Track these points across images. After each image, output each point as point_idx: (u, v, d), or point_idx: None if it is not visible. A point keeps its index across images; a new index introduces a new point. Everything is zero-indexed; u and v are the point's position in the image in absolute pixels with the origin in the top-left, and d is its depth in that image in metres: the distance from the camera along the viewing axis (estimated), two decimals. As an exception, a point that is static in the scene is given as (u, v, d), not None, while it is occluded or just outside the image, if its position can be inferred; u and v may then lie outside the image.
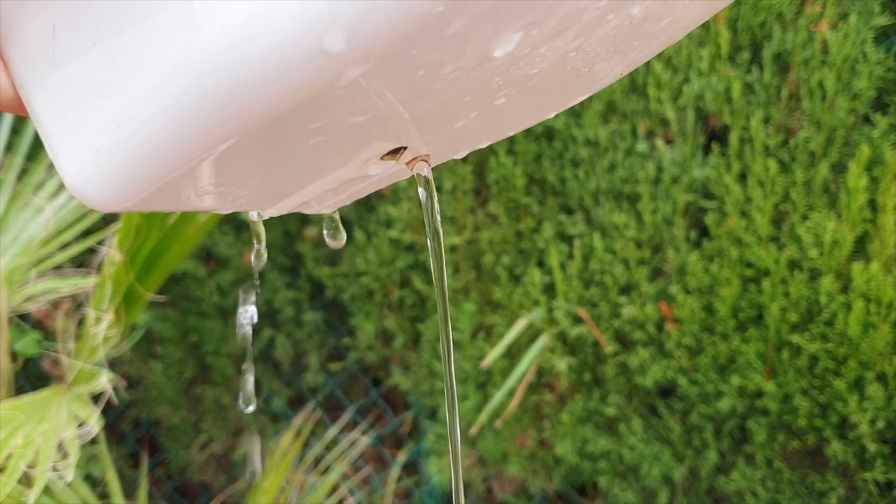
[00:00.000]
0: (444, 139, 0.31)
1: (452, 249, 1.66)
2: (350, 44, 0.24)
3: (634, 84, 1.49)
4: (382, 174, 0.33)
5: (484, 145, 0.33)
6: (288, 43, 0.24)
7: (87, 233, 1.66)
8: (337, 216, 0.39)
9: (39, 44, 0.28)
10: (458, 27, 0.25)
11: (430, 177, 0.33)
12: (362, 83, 0.26)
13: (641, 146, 1.45)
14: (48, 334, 1.87)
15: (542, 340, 1.56)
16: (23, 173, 1.55)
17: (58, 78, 0.27)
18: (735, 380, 1.41)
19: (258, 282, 1.81)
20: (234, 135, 0.26)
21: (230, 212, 0.33)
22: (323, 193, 0.33)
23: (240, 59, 0.24)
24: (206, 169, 0.27)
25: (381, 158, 0.31)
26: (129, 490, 2.24)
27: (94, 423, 1.27)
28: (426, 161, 0.32)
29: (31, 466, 1.21)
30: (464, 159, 1.60)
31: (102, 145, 0.26)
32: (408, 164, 0.32)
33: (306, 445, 2.05)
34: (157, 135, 0.26)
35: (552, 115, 0.32)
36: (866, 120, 1.37)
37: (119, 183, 0.27)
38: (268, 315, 2.00)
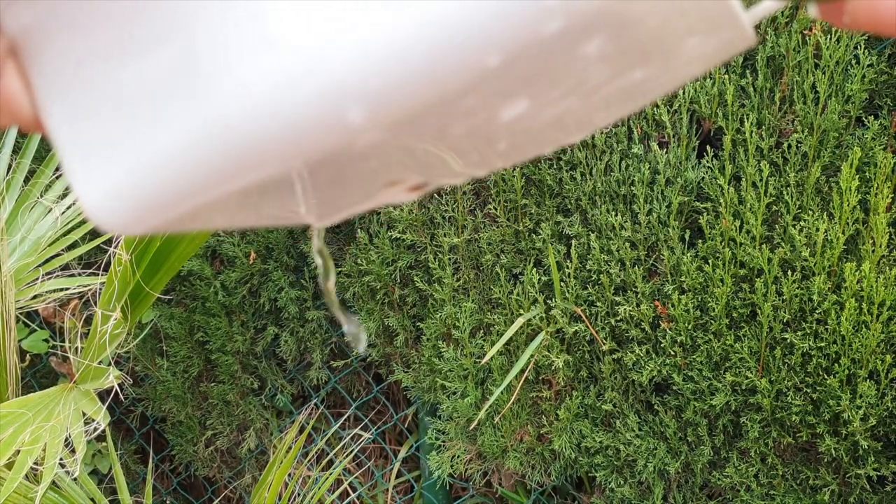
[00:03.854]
0: (444, 175, 0.34)
1: (452, 249, 1.69)
2: (369, 118, 0.26)
3: (631, 87, 1.51)
4: (381, 199, 0.34)
5: (482, 175, 0.35)
6: (312, 112, 0.26)
7: (94, 233, 1.69)
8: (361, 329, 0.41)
9: (63, 72, 0.29)
10: (471, 103, 0.27)
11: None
12: (375, 144, 0.28)
13: (637, 149, 1.47)
14: (56, 332, 1.90)
15: (540, 338, 1.58)
16: (31, 175, 1.58)
17: (78, 107, 0.29)
18: (729, 377, 1.44)
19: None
20: (247, 183, 0.28)
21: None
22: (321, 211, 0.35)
23: (264, 121, 0.26)
24: (217, 206, 0.29)
25: (383, 186, 0.33)
26: (136, 485, 2.27)
27: (101, 420, 1.29)
28: (424, 188, 0.34)
29: (38, 462, 1.24)
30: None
31: (119, 177, 0.28)
32: (409, 190, 0.34)
33: (310, 441, 2.08)
34: (173, 175, 0.27)
35: (548, 151, 0.34)
36: (858, 122, 1.40)
37: (132, 212, 0.28)
38: (272, 313, 2.03)
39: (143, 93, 0.28)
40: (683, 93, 1.45)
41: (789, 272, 1.39)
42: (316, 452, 2.08)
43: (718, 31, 0.29)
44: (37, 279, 1.47)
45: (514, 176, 1.57)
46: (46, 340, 2.00)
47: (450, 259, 1.68)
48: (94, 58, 0.29)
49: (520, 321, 1.58)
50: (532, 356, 1.59)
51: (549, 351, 1.59)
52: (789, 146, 1.39)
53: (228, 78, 0.26)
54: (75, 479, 1.45)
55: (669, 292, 1.47)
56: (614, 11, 0.26)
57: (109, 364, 1.39)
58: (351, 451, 1.95)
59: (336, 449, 2.11)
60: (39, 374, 2.22)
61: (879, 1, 0.27)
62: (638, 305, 1.50)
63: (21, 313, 1.70)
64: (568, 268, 1.54)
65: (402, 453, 2.08)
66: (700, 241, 1.45)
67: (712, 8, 0.28)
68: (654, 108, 1.47)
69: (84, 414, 1.32)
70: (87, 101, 0.29)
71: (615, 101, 0.31)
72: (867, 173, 1.35)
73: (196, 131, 0.27)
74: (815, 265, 1.37)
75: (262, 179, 0.28)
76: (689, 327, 1.46)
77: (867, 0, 0.28)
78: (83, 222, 1.55)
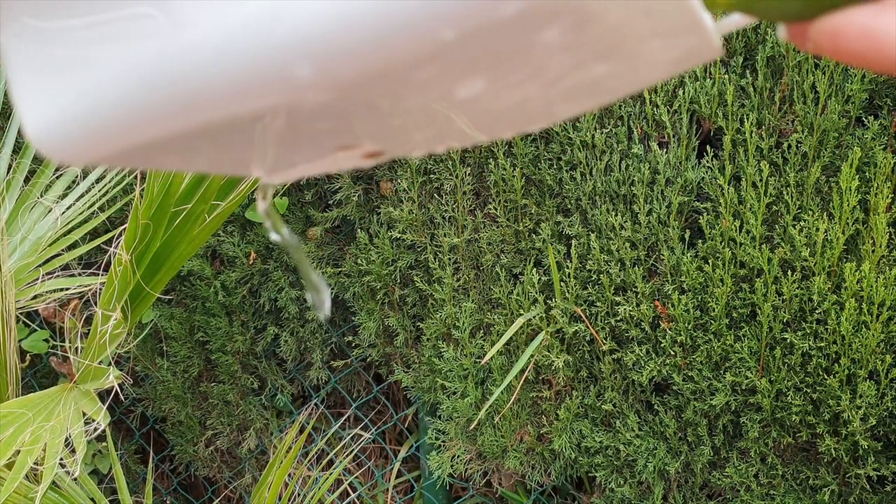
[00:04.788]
0: (400, 145, 0.34)
1: (452, 249, 1.69)
2: (317, 77, 0.26)
3: (631, 87, 1.51)
4: (335, 162, 0.35)
5: (440, 151, 0.35)
6: (261, 63, 0.26)
7: (94, 233, 1.69)
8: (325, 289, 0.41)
9: None
10: (425, 75, 0.27)
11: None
12: (325, 104, 0.28)
13: (637, 149, 1.47)
14: (56, 332, 1.90)
15: (540, 338, 1.58)
16: (31, 175, 1.58)
17: (33, 29, 0.29)
18: (729, 377, 1.44)
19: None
20: (192, 126, 0.28)
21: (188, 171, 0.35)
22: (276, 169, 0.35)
23: (213, 67, 0.26)
24: (165, 145, 0.29)
25: (337, 149, 0.33)
26: (136, 485, 2.27)
27: (101, 420, 1.29)
28: (380, 156, 0.34)
29: (38, 462, 1.24)
30: (463, 161, 1.63)
31: (68, 107, 0.28)
32: (364, 156, 0.34)
33: (310, 441, 2.08)
34: (121, 108, 0.28)
35: (508, 136, 0.34)
36: (858, 122, 1.40)
37: (76, 141, 0.28)
38: (272, 313, 2.03)
39: (100, 22, 0.28)
40: (683, 93, 1.45)
41: (789, 272, 1.39)
42: (316, 452, 2.08)
43: (683, 36, 0.28)
44: (37, 279, 1.47)
45: (514, 176, 1.57)
46: (46, 340, 2.00)
47: (450, 259, 1.68)
48: None
49: (520, 321, 1.58)
50: (532, 356, 1.59)
51: (549, 351, 1.59)
52: (789, 146, 1.39)
53: (186, 21, 0.27)
54: (75, 479, 1.45)
55: (669, 292, 1.47)
56: (575, 2, 0.26)
57: (109, 364, 1.39)
58: (351, 451, 1.95)
59: (336, 449, 2.11)
60: (39, 374, 2.22)
61: (840, 31, 0.27)
62: (638, 305, 1.50)
63: (21, 313, 1.70)
64: (568, 268, 1.54)
65: (402, 453, 2.08)
66: (700, 241, 1.46)
67: (677, 12, 0.27)
68: (654, 108, 1.47)
69: (84, 414, 1.32)
70: (42, 24, 0.29)
71: (577, 94, 0.31)
72: (867, 173, 1.35)
73: (147, 68, 0.27)
74: (815, 265, 1.37)
75: (209, 124, 0.28)
76: (689, 327, 1.46)
77: (828, 29, 0.28)
78: (83, 222, 1.55)
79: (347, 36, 0.26)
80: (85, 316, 1.47)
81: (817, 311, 1.38)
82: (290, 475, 1.82)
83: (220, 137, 0.30)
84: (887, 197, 1.32)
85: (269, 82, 0.27)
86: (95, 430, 1.29)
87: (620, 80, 0.30)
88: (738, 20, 0.31)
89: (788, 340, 1.40)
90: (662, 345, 1.49)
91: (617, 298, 1.52)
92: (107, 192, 1.58)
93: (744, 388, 1.45)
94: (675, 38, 0.28)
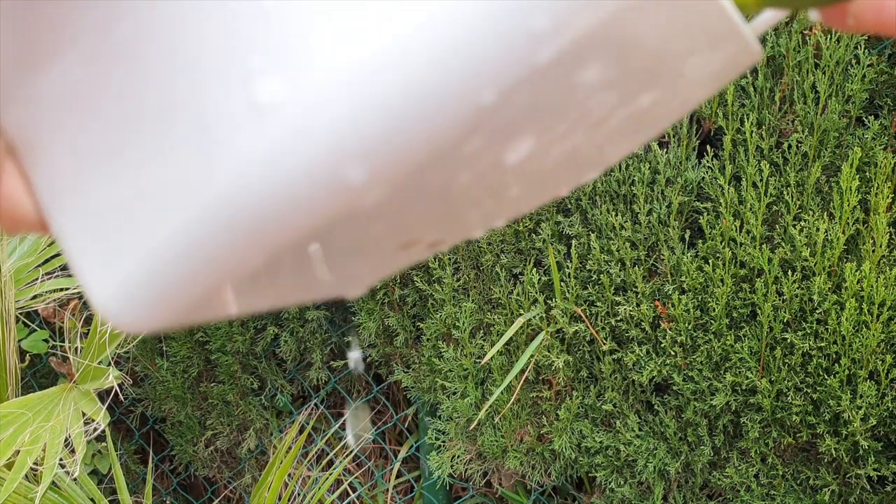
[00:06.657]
0: (459, 228, 0.33)
1: (452, 249, 1.68)
2: (370, 173, 0.25)
3: (631, 86, 1.51)
4: (399, 262, 0.33)
5: (499, 226, 0.34)
6: (309, 176, 0.25)
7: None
8: None
9: (61, 165, 0.28)
10: (473, 146, 0.27)
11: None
12: (382, 202, 0.27)
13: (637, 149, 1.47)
14: (56, 332, 1.90)
15: (540, 338, 1.58)
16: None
17: (80, 202, 0.28)
18: (729, 377, 1.44)
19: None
20: (258, 260, 0.27)
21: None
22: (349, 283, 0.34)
23: (260, 192, 0.25)
24: (230, 291, 0.28)
25: (399, 248, 0.32)
26: (135, 485, 2.27)
27: (101, 420, 1.29)
28: (441, 244, 0.33)
29: (38, 462, 1.24)
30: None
31: (125, 274, 0.27)
32: (427, 248, 0.33)
33: (310, 441, 2.08)
34: (180, 265, 0.27)
35: (565, 192, 0.34)
36: (859, 122, 1.39)
37: (142, 309, 0.27)
38: (272, 313, 2.03)
39: (142, 183, 0.27)
40: (683, 93, 1.45)
41: (789, 272, 1.39)
42: (316, 452, 2.08)
43: (722, 45, 0.28)
44: (37, 279, 1.47)
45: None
46: (46, 340, 2.00)
47: (450, 259, 1.68)
48: (91, 153, 0.28)
49: (520, 321, 1.58)
50: (532, 356, 1.59)
51: (549, 351, 1.59)
52: (789, 146, 1.39)
53: (220, 156, 0.26)
54: (75, 480, 1.45)
55: (669, 292, 1.47)
56: (609, 33, 0.25)
57: (109, 364, 1.39)
58: (351, 452, 1.95)
59: (336, 449, 2.11)
60: (39, 374, 2.22)
61: (885, 2, 0.27)
62: (638, 305, 1.50)
63: (21, 313, 1.70)
64: (568, 268, 1.54)
65: (402, 453, 2.08)
66: (700, 241, 1.45)
67: (713, 21, 0.27)
68: (655, 108, 1.47)
69: (84, 414, 1.32)
70: (88, 198, 0.28)
71: (625, 131, 0.30)
72: (867, 173, 1.35)
73: (195, 217, 0.26)
74: (815, 265, 1.37)
75: (270, 257, 0.27)
76: (689, 327, 1.46)
77: (873, 1, 0.27)
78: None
79: (389, 123, 0.25)
80: (85, 316, 1.47)
81: (817, 311, 1.37)
82: (290, 475, 1.82)
83: (283, 269, 0.29)
84: (887, 197, 1.32)
85: (324, 192, 0.25)
86: (95, 430, 1.29)
87: (666, 107, 0.30)
88: (770, 17, 0.30)
89: (789, 340, 1.40)
90: (662, 345, 1.49)
91: (617, 298, 1.52)
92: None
93: (744, 388, 1.45)
94: (714, 50, 0.28)
